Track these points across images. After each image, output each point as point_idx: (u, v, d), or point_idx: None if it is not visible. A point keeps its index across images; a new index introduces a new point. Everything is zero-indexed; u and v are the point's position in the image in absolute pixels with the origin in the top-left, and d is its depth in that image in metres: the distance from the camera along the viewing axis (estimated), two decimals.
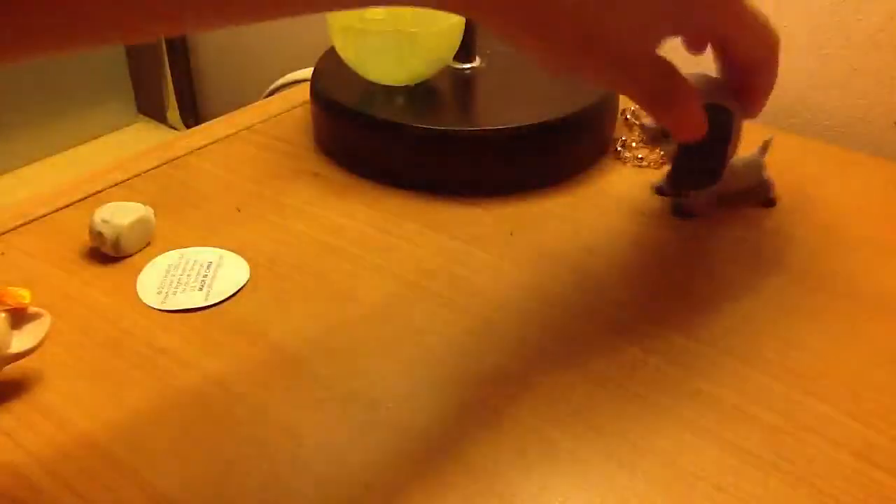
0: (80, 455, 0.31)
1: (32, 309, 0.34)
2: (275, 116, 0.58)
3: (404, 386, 0.35)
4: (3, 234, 0.44)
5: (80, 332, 0.37)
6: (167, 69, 0.93)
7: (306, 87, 0.56)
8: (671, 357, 0.36)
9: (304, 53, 0.80)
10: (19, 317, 0.34)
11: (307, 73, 0.64)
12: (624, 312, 0.39)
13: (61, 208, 0.46)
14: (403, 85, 0.51)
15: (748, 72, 0.37)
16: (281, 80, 0.65)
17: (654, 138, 0.43)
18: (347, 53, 0.51)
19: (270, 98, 0.62)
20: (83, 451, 0.31)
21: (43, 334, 0.34)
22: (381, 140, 0.49)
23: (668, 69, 0.34)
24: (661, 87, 0.34)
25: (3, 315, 0.33)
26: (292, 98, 0.60)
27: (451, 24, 0.49)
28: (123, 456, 0.31)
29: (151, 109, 0.96)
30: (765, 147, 0.46)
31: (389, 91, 0.51)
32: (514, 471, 0.31)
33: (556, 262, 0.42)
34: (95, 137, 0.94)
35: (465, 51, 0.53)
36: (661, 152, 0.47)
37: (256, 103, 0.61)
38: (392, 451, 0.32)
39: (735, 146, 0.42)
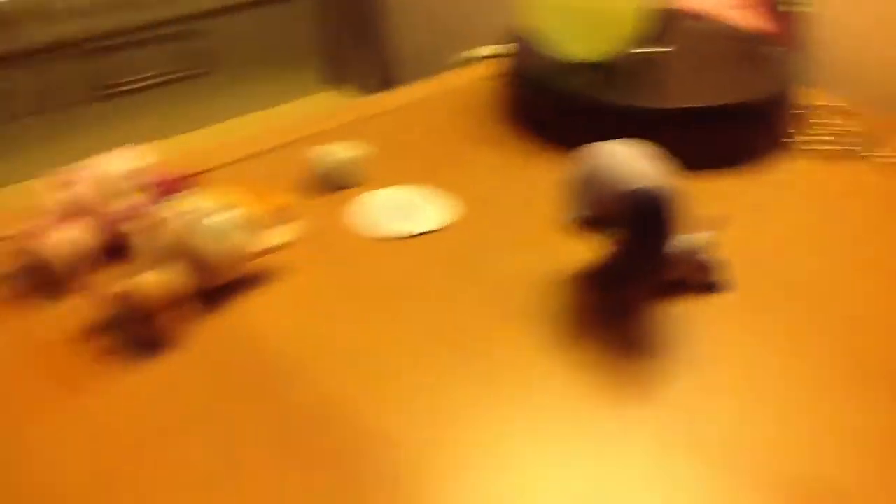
0: (315, 328, 0.37)
1: (289, 213, 0.40)
2: (469, 85, 0.63)
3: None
4: (243, 160, 0.51)
5: (306, 242, 0.44)
6: (358, 42, 1.00)
7: (498, 61, 0.61)
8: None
9: (489, 32, 0.86)
10: (280, 216, 0.40)
11: (499, 48, 0.69)
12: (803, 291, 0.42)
13: (289, 143, 0.53)
14: (595, 61, 0.56)
15: None
16: (473, 54, 0.71)
17: (584, 230, 0.38)
18: (544, 28, 0.55)
19: (465, 69, 0.67)
20: (320, 325, 0.37)
21: (295, 234, 0.40)
22: (567, 111, 0.53)
23: None
24: None
25: (264, 214, 0.39)
26: (485, 70, 0.65)
27: (646, 3, 0.53)
28: (348, 334, 0.37)
29: (339, 79, 1.05)
30: (712, 223, 0.40)
31: (580, 67, 0.56)
32: (538, 466, 0.34)
33: (735, 245, 0.45)
34: (286, 102, 1.02)
35: (658, 32, 0.56)
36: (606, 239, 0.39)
37: (452, 72, 0.66)
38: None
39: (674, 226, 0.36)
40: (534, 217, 0.46)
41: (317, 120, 0.56)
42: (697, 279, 0.41)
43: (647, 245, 0.36)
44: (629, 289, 0.39)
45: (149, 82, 0.91)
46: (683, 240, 0.39)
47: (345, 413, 0.33)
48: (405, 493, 0.30)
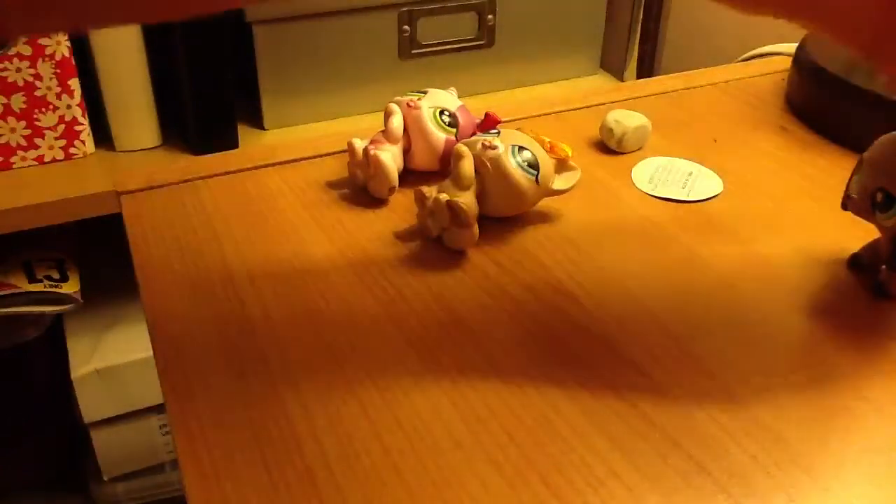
0: (591, 271, 0.42)
1: (570, 163, 0.45)
2: (750, 78, 0.65)
3: None
4: (532, 117, 0.57)
5: (587, 192, 0.48)
6: (637, 33, 1.04)
7: (782, 58, 0.62)
8: None
9: (762, 36, 0.86)
10: (561, 165, 0.45)
11: (783, 47, 0.70)
12: None
13: (578, 109, 0.58)
14: None
15: None
16: (758, 51, 0.72)
17: (864, 210, 0.38)
18: None
19: (747, 62, 0.69)
20: (593, 268, 0.42)
21: (574, 182, 0.45)
22: (859, 109, 0.54)
23: None
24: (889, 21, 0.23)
25: (553, 161, 0.45)
26: (769, 66, 0.67)
27: None
28: (617, 276, 0.41)
29: (612, 66, 1.09)
30: None
31: (871, 67, 0.56)
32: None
33: None
34: (557, 81, 1.08)
35: None
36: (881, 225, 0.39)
37: (733, 64, 0.68)
38: None
39: None
40: (802, 202, 0.48)
41: (606, 91, 0.61)
42: None
43: None
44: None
45: (444, 47, 1.00)
46: None
47: (601, 337, 0.38)
48: (641, 418, 0.34)
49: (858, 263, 0.43)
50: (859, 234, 0.45)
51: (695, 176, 0.50)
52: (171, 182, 0.49)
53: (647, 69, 1.07)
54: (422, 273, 0.42)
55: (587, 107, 0.59)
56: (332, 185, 0.49)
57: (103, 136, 0.89)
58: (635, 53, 1.06)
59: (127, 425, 1.02)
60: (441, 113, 0.48)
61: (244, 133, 0.93)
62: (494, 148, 0.42)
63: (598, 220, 0.46)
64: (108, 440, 1.02)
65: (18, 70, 0.80)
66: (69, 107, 0.84)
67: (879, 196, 0.38)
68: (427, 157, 0.48)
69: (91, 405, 0.98)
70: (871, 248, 0.42)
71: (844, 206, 0.40)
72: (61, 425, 1.08)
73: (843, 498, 0.30)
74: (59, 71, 0.81)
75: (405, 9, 0.94)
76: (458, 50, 0.99)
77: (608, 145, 0.53)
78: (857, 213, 0.40)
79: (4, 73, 0.80)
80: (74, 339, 0.99)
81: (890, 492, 0.31)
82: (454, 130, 0.48)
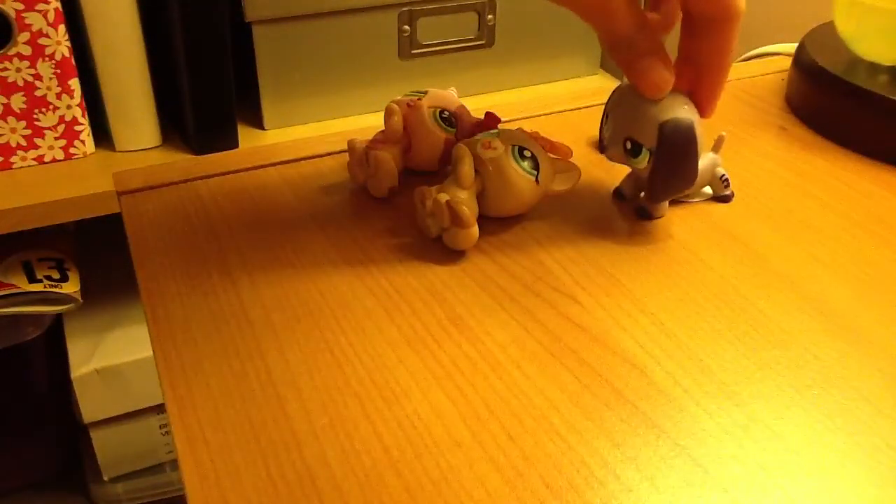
0: (591, 271, 0.42)
1: (570, 161, 0.45)
2: (750, 77, 0.65)
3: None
4: (532, 117, 0.57)
5: (587, 192, 0.48)
6: None
7: (782, 58, 0.62)
8: None
9: (762, 36, 0.86)
10: (561, 165, 0.45)
11: (783, 47, 0.70)
12: None
13: (572, 109, 0.58)
14: (890, 65, 0.55)
15: (699, 39, 0.40)
16: (758, 51, 0.72)
17: (618, 156, 0.43)
18: (845, 26, 0.56)
19: (747, 62, 0.69)
20: (593, 268, 0.42)
21: (574, 182, 0.45)
22: (859, 109, 0.54)
23: (643, 22, 0.37)
24: (628, 36, 0.37)
25: (553, 161, 0.45)
26: (769, 66, 0.67)
27: None
28: (617, 277, 0.41)
29: (612, 66, 1.09)
30: (717, 144, 0.47)
31: (874, 67, 0.56)
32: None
33: None
34: (557, 81, 1.08)
35: None
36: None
37: (733, 64, 0.68)
38: None
39: (700, 150, 0.42)
40: (802, 202, 0.48)
41: (606, 91, 0.61)
42: (715, 191, 0.48)
43: (678, 168, 0.42)
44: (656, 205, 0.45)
45: (444, 47, 1.00)
46: (705, 157, 0.46)
47: (601, 337, 0.38)
48: (641, 419, 0.34)
49: (621, 195, 0.47)
50: (857, 230, 0.45)
51: None
52: (171, 182, 0.49)
53: None
54: (422, 273, 0.42)
55: (587, 107, 0.59)
56: (332, 184, 0.49)
57: (103, 136, 0.89)
58: None
59: (127, 425, 1.02)
60: (441, 113, 0.48)
61: (244, 133, 0.93)
62: (494, 148, 0.42)
63: (597, 220, 0.46)
64: (108, 440, 1.02)
65: (18, 70, 0.80)
66: (69, 107, 0.84)
67: (628, 144, 0.42)
68: (427, 157, 0.48)
69: (91, 405, 0.98)
70: (630, 179, 0.47)
71: (602, 151, 0.44)
72: (61, 425, 1.08)
73: (844, 497, 0.30)
74: (59, 71, 0.81)
75: (405, 9, 0.94)
76: (458, 50, 0.99)
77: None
78: (612, 159, 0.44)
79: (4, 73, 0.80)
80: (74, 339, 0.99)
81: (891, 492, 0.31)
82: (454, 130, 0.48)
